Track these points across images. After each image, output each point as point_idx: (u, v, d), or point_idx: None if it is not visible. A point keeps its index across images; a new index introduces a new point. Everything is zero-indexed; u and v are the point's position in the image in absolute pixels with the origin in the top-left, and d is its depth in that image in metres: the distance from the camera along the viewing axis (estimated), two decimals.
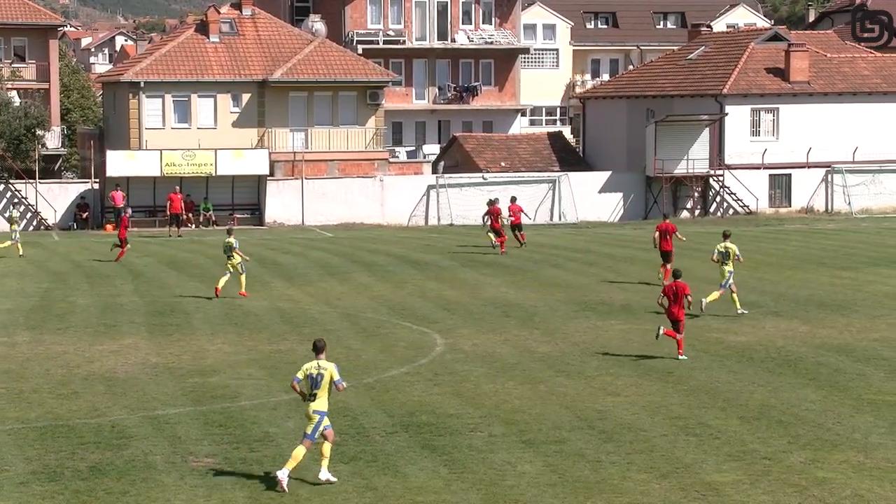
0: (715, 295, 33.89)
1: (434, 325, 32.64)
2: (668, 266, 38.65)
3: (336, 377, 18.90)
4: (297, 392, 19.04)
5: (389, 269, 44.32)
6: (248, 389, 25.24)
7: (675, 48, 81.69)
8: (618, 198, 67.82)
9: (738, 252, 34.25)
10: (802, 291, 38.13)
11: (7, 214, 56.70)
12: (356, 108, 68.40)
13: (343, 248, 52.14)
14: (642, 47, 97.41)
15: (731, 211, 67.57)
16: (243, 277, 37.91)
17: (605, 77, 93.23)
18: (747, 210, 67.14)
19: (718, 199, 67.90)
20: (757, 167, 67.96)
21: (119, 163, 62.78)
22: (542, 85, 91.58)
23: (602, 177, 68.73)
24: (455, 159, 72.81)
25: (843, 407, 23.41)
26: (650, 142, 67.24)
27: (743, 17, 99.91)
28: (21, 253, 48.82)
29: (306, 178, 65.06)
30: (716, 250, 34.58)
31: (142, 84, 66.39)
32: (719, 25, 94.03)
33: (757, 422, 22.38)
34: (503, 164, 71.67)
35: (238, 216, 64.13)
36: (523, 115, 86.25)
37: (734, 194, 67.49)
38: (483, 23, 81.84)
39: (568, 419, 22.66)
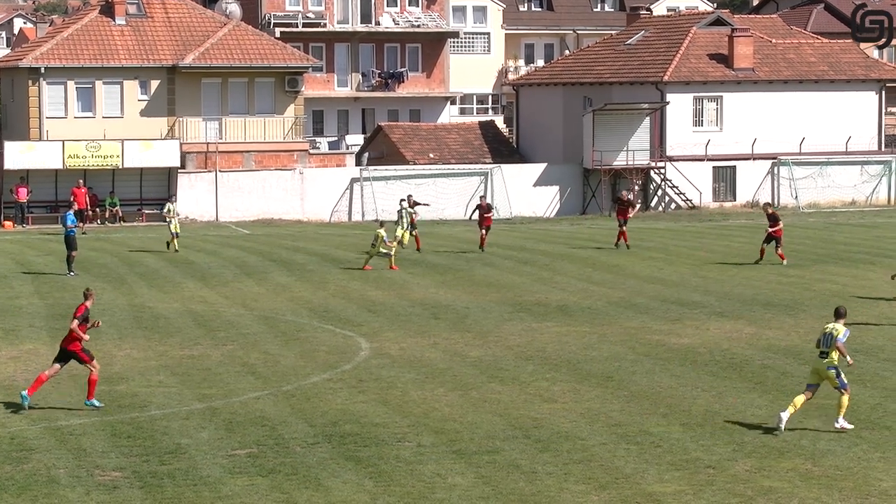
0: None
1: (358, 328, 32.62)
2: None
3: (840, 336, 22.23)
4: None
5: (310, 269, 44.23)
6: (159, 398, 25.09)
7: (613, 33, 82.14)
8: (554, 191, 68.13)
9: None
10: (748, 290, 38.51)
11: None
12: (274, 96, 68.14)
13: (260, 245, 51.97)
14: (579, 32, 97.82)
15: (673, 205, 68.09)
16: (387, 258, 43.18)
17: (540, 63, 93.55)
18: (690, 204, 67.68)
19: (660, 192, 68.40)
20: (700, 159, 68.53)
21: (18, 155, 62.13)
22: (473, 71, 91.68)
23: (537, 169, 69.00)
24: (380, 150, 72.80)
25: None
26: (587, 132, 67.59)
27: (684, 0, 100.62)
28: None
29: (220, 171, 64.75)
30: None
31: (42, 70, 65.74)
32: (659, 9, 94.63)
33: (700, 428, 22.59)
34: (431, 155, 71.74)
35: (147, 212, 63.70)
36: (453, 103, 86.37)
37: (676, 188, 68.01)
38: (409, 5, 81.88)
39: (501, 428, 22.74)
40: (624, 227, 49.50)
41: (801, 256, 46.84)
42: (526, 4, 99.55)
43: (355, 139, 78.19)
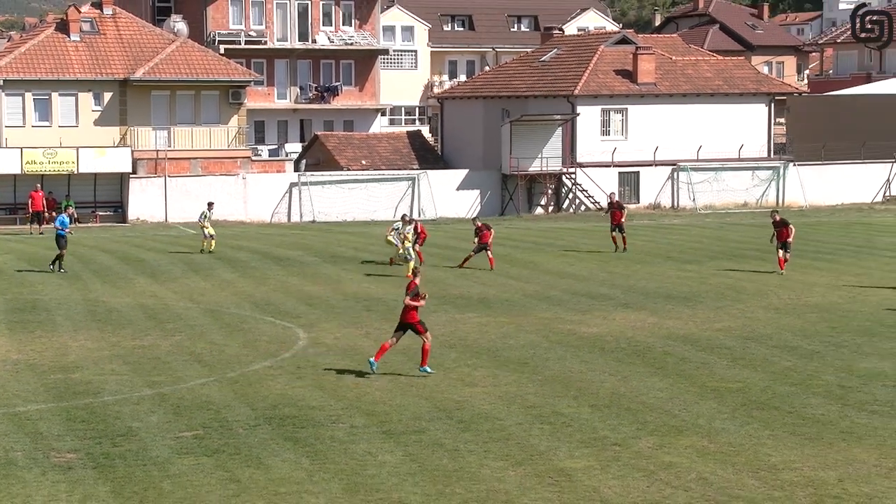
0: None
1: (296, 320, 32.47)
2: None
3: None
4: None
5: (252, 266, 43.97)
6: (111, 385, 24.83)
7: (528, 50, 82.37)
8: (475, 195, 68.18)
9: None
10: (650, 284, 38.73)
11: None
12: (218, 107, 67.70)
13: None
14: (497, 49, 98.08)
15: (583, 207, 68.36)
16: (411, 264, 39.71)
17: (462, 78, 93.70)
18: (598, 207, 68.00)
19: (571, 196, 68.65)
20: (607, 165, 68.84)
21: None
22: (402, 85, 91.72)
23: (460, 174, 69.03)
24: (317, 157, 72.52)
25: (689, 394, 23.83)
26: (505, 141, 67.71)
27: (593, 20, 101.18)
28: None
29: (169, 176, 64.21)
30: None
31: (1, 82, 64.87)
32: (571, 29, 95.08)
33: (607, 409, 22.68)
34: (364, 162, 71.58)
35: (101, 213, 63.10)
36: (383, 114, 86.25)
37: (586, 191, 68.27)
38: (343, 24, 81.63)
39: (427, 410, 22.71)
40: (615, 233, 46.76)
41: (697, 253, 47.17)
42: (450, 24, 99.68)
43: (294, 147, 77.86)
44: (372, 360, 25.69)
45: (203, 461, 19.38)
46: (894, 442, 20.40)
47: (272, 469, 19.03)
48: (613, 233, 47.11)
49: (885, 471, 18.90)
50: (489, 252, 42.52)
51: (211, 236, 47.91)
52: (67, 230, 42.94)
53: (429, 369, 25.67)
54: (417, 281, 26.09)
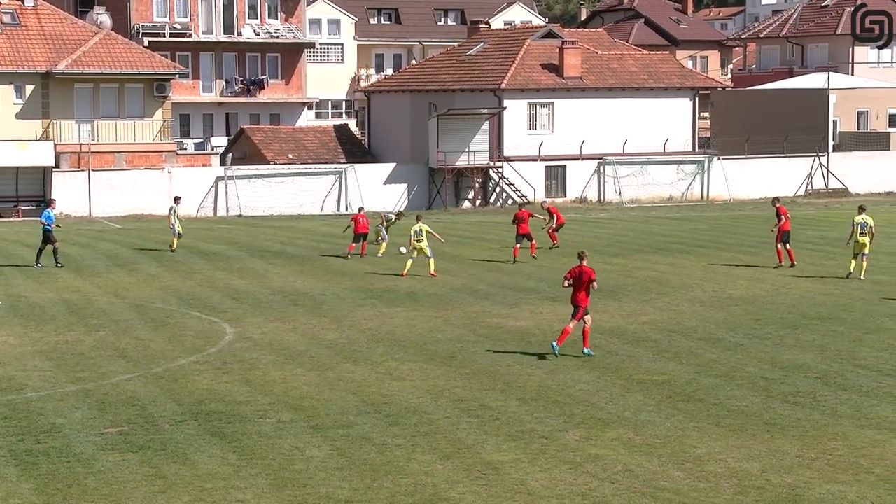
0: (864, 265, 37.44)
1: (223, 315, 32.28)
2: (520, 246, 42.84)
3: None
4: None
5: (178, 260, 43.64)
6: (34, 381, 24.55)
7: (455, 44, 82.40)
8: (402, 188, 68.14)
9: (872, 225, 37.63)
10: None
11: None
12: (143, 101, 67.05)
13: (131, 239, 51.14)
14: (424, 43, 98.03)
15: (510, 201, 68.52)
16: (432, 261, 39.33)
17: (389, 71, 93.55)
18: (525, 200, 68.16)
19: (498, 189, 68.82)
20: (534, 159, 69.07)
21: None
22: (328, 79, 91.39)
23: (387, 168, 68.94)
24: (243, 151, 72.11)
25: (615, 387, 24.00)
26: (433, 134, 67.72)
27: (519, 14, 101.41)
28: None
29: (93, 170, 63.52)
30: (854, 222, 37.64)
31: None
32: (497, 23, 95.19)
33: (535, 402, 22.78)
34: (290, 156, 71.29)
35: (23, 208, 62.29)
36: (310, 108, 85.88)
37: (513, 185, 68.45)
38: (269, 17, 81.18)
39: (355, 404, 22.69)
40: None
41: (624, 246, 47.47)
42: (376, 18, 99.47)
43: (220, 141, 77.29)
44: (554, 343, 26.73)
45: (128, 457, 19.22)
46: (816, 433, 20.68)
47: (198, 465, 18.91)
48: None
49: (808, 461, 19.15)
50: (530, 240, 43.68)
51: (178, 234, 46.75)
52: (53, 225, 42.44)
53: (557, 349, 26.55)
54: (586, 263, 26.74)
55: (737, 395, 23.34)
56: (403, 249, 42.35)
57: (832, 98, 77.02)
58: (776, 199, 44.57)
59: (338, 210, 66.12)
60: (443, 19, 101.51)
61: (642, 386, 24.08)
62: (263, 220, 61.32)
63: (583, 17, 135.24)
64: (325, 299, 34.88)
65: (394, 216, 48.28)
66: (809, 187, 73.17)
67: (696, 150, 73.03)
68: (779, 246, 41.30)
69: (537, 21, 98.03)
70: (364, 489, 17.82)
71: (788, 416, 21.73)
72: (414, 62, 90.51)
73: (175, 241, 46.16)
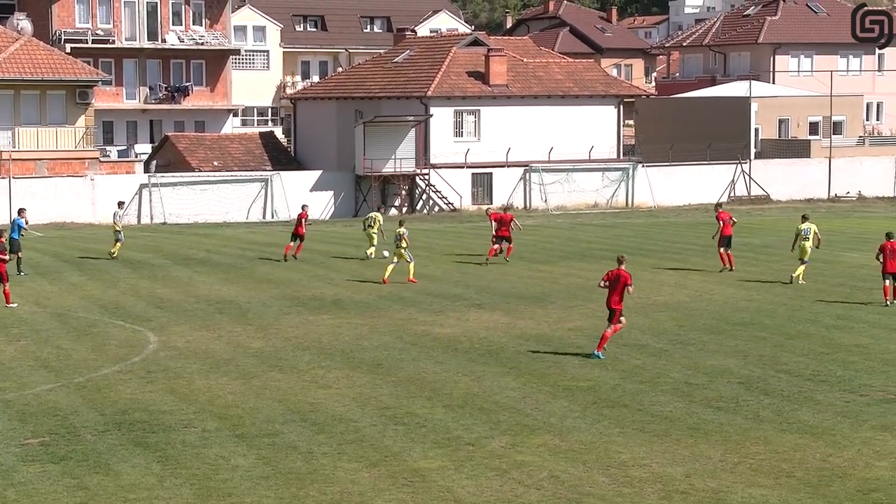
0: (801, 270, 38.50)
1: (147, 323, 32.01)
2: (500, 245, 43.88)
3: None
4: None
5: (101, 269, 43.21)
6: None
7: (381, 52, 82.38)
8: (328, 196, 67.96)
9: (817, 231, 38.90)
10: (503, 284, 39.03)
11: None
12: (65, 108, 66.34)
13: (54, 247, 50.55)
14: (350, 50, 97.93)
15: (436, 208, 68.61)
16: (412, 266, 39.27)
17: (315, 79, 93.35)
18: (451, 207, 68.31)
19: (425, 197, 68.87)
20: (460, 166, 69.20)
21: None
22: (254, 86, 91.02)
23: (313, 176, 68.74)
24: (167, 159, 71.57)
25: (541, 393, 24.09)
26: (359, 142, 67.64)
27: (445, 22, 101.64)
28: None
29: (14, 178, 62.71)
30: (798, 230, 38.96)
31: None
32: (423, 30, 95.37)
33: (461, 409, 22.80)
34: (216, 163, 70.88)
35: None
36: (235, 115, 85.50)
37: (439, 192, 68.53)
38: (193, 24, 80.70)
39: (281, 412, 22.59)
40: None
41: (549, 253, 47.68)
42: (302, 25, 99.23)
43: (143, 148, 76.70)
44: (597, 352, 27.18)
45: (50, 468, 18.99)
46: (739, 437, 20.89)
47: (121, 475, 18.73)
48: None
49: (731, 465, 19.34)
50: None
51: (117, 241, 46.22)
52: (22, 234, 41.92)
53: (601, 355, 27.14)
54: (624, 267, 27.36)
55: (661, 400, 23.52)
56: (386, 253, 42.38)
57: (754, 106, 77.98)
58: (718, 204, 45.23)
59: (263, 218, 65.83)
60: (369, 27, 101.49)
61: (568, 392, 24.19)
62: (188, 227, 60.90)
63: (508, 25, 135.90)
64: (251, 307, 34.71)
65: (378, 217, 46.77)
66: (732, 194, 73.95)
67: (621, 157, 73.54)
68: (721, 250, 41.94)
69: (463, 29, 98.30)
70: (290, 498, 17.75)
71: (712, 421, 21.94)
72: (340, 69, 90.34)
73: (117, 246, 45.85)
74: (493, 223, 45.22)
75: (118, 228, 46.25)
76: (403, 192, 68.73)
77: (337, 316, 33.23)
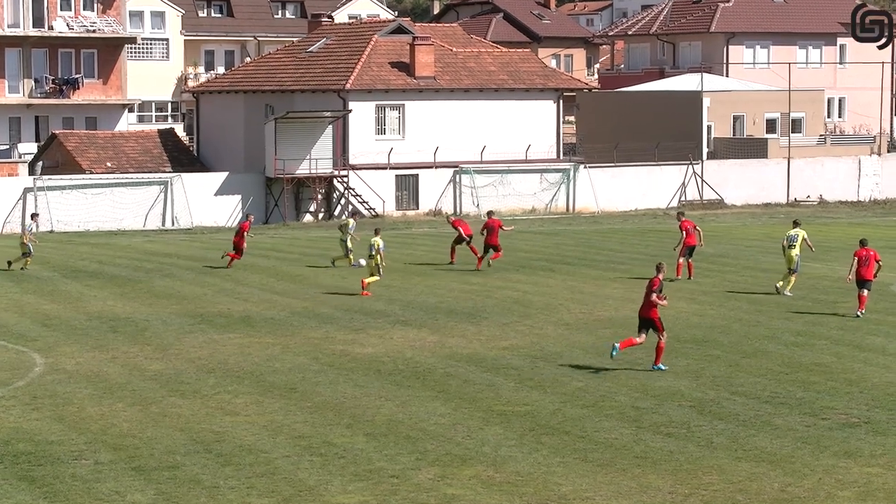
0: (792, 280, 39.24)
1: (32, 343, 31.73)
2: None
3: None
4: None
5: None
6: None
7: (294, 40, 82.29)
8: (236, 200, 67.73)
9: (807, 237, 39.77)
10: (431, 299, 39.11)
11: None
12: None
13: None
14: (260, 38, 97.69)
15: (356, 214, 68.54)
16: (374, 279, 40.25)
17: (221, 70, 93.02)
18: (373, 213, 68.33)
19: (343, 201, 68.83)
20: (383, 167, 69.25)
21: None
22: (152, 78, 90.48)
23: (219, 178, 68.48)
24: (55, 159, 70.96)
25: (473, 419, 24.16)
26: (270, 140, 67.46)
27: (366, 7, 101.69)
28: None
29: None
30: (785, 236, 39.85)
31: None
32: (341, 16, 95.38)
33: (384, 438, 22.82)
34: (109, 164, 70.41)
35: None
36: (131, 110, 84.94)
37: (359, 196, 68.54)
38: (84, 9, 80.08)
39: (183, 442, 22.49)
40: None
41: (483, 265, 47.77)
42: (205, 10, 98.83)
43: (28, 147, 75.98)
44: (616, 344, 28.56)
45: None
46: (690, 466, 21.08)
47: None
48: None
49: (681, 498, 19.51)
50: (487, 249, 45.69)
51: (26, 254, 45.77)
52: None
53: (663, 367, 28.32)
54: (661, 277, 28.71)
55: (605, 426, 23.68)
56: (363, 262, 43.07)
57: (706, 101, 78.77)
58: (680, 213, 45.79)
59: (162, 225, 65.45)
60: (280, 12, 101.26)
61: (503, 418, 24.27)
62: (78, 236, 60.42)
63: (436, 11, 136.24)
64: (149, 325, 34.51)
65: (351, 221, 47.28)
66: (683, 198, 74.61)
67: (561, 157, 73.95)
68: (680, 260, 42.92)
69: (386, 15, 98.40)
70: None
71: (661, 449, 22.12)
72: (248, 60, 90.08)
73: (26, 261, 45.60)
74: (459, 230, 46.61)
75: (26, 241, 46.04)
76: (319, 197, 68.63)
77: (246, 335, 33.12)
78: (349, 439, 22.74)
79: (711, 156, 77.72)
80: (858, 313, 35.36)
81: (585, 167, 73.07)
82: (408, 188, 70.15)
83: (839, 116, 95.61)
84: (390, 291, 40.62)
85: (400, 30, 73.74)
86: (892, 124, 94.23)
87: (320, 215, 68.41)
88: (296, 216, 67.94)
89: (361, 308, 37.30)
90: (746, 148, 78.83)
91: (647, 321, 28.41)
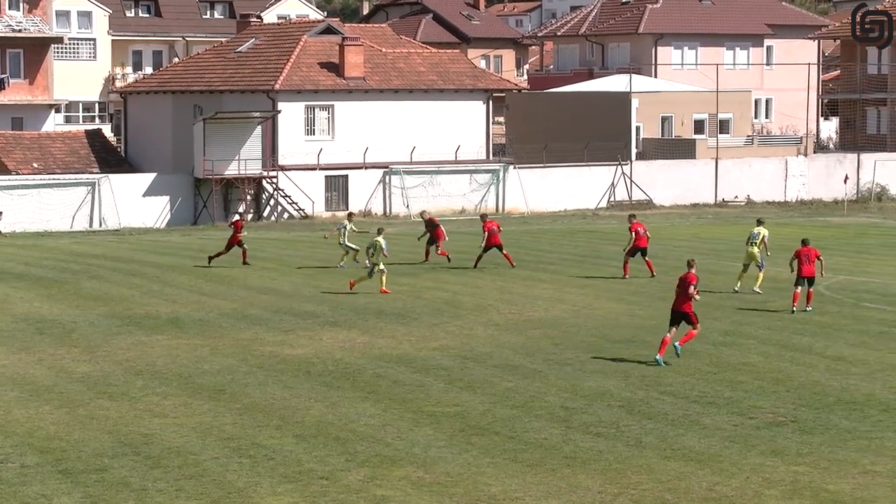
0: (760, 276, 39.80)
1: None
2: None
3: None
4: None
5: None
6: None
7: (223, 40, 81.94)
8: (164, 202, 67.36)
9: (766, 237, 40.41)
10: (360, 300, 39.05)
11: None
12: None
13: None
14: (188, 38, 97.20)
15: (286, 215, 68.41)
16: (365, 282, 40.26)
17: (149, 70, 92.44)
18: (303, 213, 68.16)
19: (273, 202, 68.61)
20: (312, 168, 69.09)
21: None
22: (79, 78, 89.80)
23: (146, 179, 68.07)
24: None
25: (403, 420, 24.16)
26: (198, 141, 67.14)
27: (294, 7, 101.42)
28: None
29: None
30: (748, 234, 40.75)
31: None
32: (270, 16, 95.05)
33: (314, 440, 22.77)
34: (35, 165, 69.79)
35: None
36: (57, 111, 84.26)
37: (289, 197, 68.36)
38: (10, 8, 79.32)
39: (110, 445, 22.33)
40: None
41: (412, 265, 47.80)
42: (133, 10, 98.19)
43: None
44: (658, 356, 29.08)
45: None
46: (620, 466, 21.19)
47: None
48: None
49: (611, 497, 19.60)
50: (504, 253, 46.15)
51: None
52: None
53: (678, 347, 29.40)
54: (694, 271, 29.71)
55: (535, 426, 23.75)
56: (344, 266, 43.15)
57: (635, 102, 79.19)
58: (632, 215, 46.00)
59: (90, 226, 64.94)
60: (209, 12, 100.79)
61: (433, 419, 24.29)
62: (4, 238, 59.82)
63: (365, 12, 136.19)
64: (76, 327, 34.24)
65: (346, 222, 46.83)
66: (612, 198, 75.01)
67: (491, 157, 74.10)
68: (627, 259, 43.47)
69: (315, 15, 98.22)
70: None
71: (590, 449, 22.22)
72: (176, 60, 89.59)
73: None
74: (430, 228, 47.41)
75: None
76: (249, 198, 68.36)
77: (174, 336, 32.94)
78: (278, 441, 22.68)
79: (640, 156, 78.14)
80: (794, 309, 35.90)
81: (515, 168, 73.24)
82: (337, 189, 70.03)
83: (766, 117, 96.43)
84: (320, 293, 40.53)
85: (329, 30, 73.63)
86: (818, 125, 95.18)
87: (249, 216, 68.12)
88: (224, 217, 67.56)
89: (291, 309, 37.20)
90: (675, 148, 79.33)
91: (682, 314, 29.47)
